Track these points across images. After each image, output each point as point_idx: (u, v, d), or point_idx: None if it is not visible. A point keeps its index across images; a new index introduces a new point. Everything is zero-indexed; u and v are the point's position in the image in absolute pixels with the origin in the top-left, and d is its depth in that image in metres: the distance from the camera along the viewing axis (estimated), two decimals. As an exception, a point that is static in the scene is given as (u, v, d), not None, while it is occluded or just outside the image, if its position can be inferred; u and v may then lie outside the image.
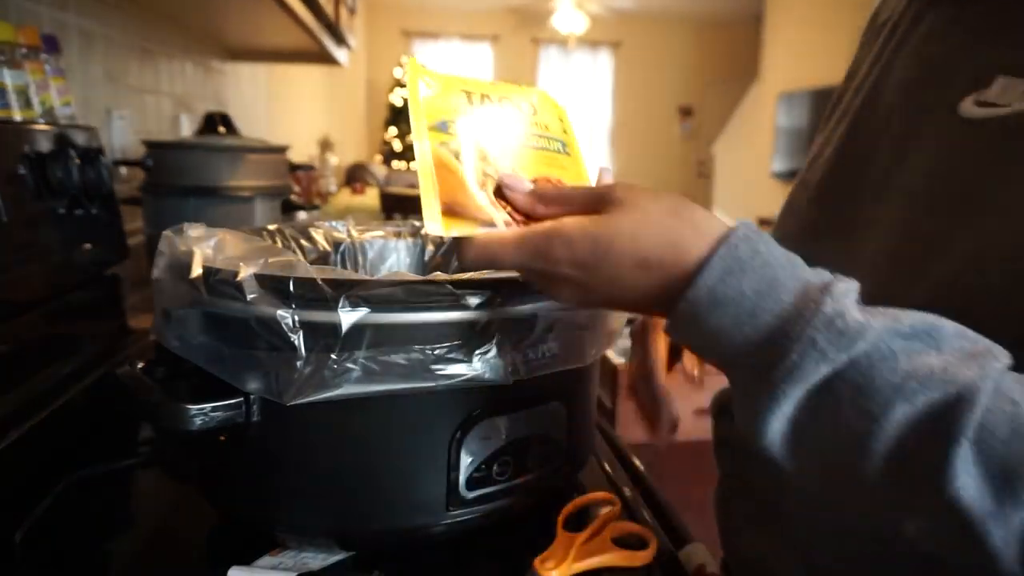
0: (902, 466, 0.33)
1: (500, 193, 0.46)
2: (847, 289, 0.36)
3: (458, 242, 0.43)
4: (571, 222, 0.40)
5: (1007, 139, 0.41)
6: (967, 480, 0.31)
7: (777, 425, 0.36)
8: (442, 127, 0.47)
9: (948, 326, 0.35)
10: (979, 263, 0.40)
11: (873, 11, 0.61)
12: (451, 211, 0.43)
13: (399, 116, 7.28)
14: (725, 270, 0.36)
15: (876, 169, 0.49)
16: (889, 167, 0.48)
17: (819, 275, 0.37)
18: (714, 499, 0.67)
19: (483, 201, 0.45)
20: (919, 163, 0.46)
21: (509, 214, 0.44)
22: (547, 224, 0.41)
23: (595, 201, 0.41)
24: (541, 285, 0.43)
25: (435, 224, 0.42)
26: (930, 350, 0.34)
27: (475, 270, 0.45)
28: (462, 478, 0.50)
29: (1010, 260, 0.38)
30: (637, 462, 0.76)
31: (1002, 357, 0.34)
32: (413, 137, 0.46)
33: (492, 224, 0.44)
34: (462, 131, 0.48)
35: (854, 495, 0.37)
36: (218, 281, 0.46)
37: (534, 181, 0.47)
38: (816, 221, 0.54)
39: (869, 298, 0.38)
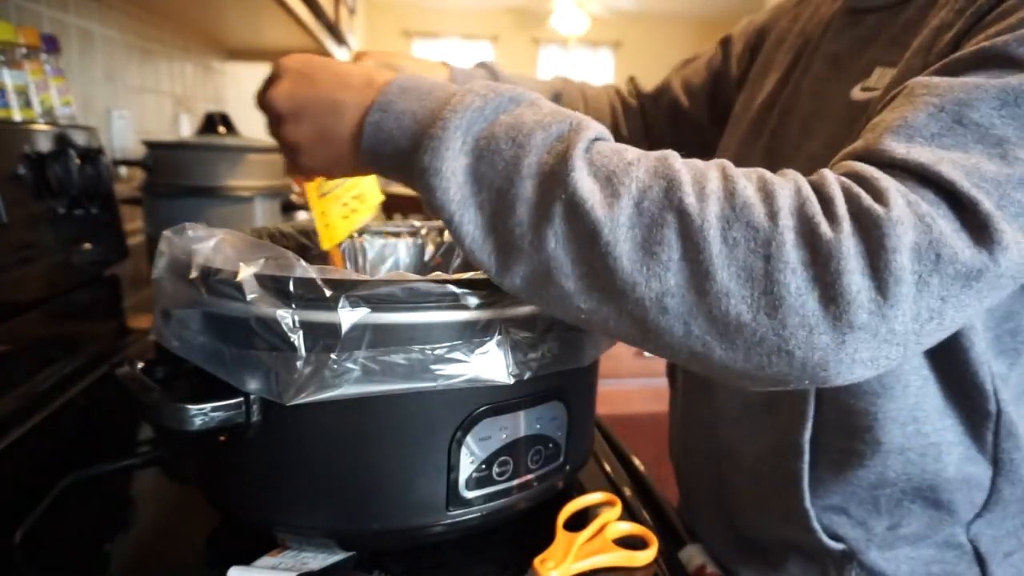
0: (542, 178, 0.40)
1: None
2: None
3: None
4: None
5: (874, 111, 0.50)
6: (584, 180, 0.39)
7: (444, 165, 0.41)
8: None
9: None
10: None
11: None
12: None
13: (399, 116, 7.26)
14: (408, 77, 0.46)
15: (791, 145, 0.62)
16: (799, 141, 0.61)
17: None
18: (669, 418, 0.78)
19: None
20: (820, 137, 0.58)
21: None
22: None
23: None
24: (270, 90, 0.50)
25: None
26: (558, 106, 0.44)
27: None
28: (462, 478, 0.50)
29: None
30: (637, 462, 0.77)
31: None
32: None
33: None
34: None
35: (511, 219, 0.41)
36: (218, 281, 0.46)
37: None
38: None
39: None
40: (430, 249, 0.79)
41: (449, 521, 0.51)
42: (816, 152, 0.58)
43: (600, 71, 8.07)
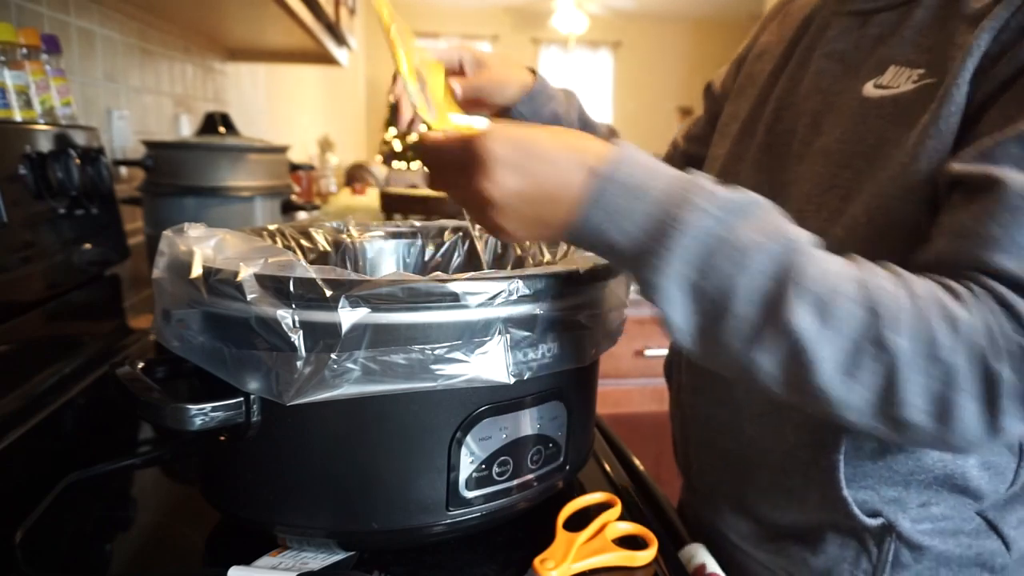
0: (760, 301, 0.43)
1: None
2: (706, 175, 0.47)
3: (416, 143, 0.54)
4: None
5: (896, 111, 0.55)
6: (801, 310, 0.42)
7: (675, 282, 0.44)
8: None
9: (764, 200, 0.47)
10: (880, 200, 0.53)
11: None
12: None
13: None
14: (618, 162, 0.46)
15: (798, 141, 0.63)
16: (807, 137, 0.62)
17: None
18: (672, 424, 0.79)
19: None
20: (832, 132, 0.59)
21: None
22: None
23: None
24: (474, 179, 0.47)
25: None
26: (767, 215, 0.46)
27: (424, 161, 0.51)
28: (462, 478, 0.50)
29: (900, 198, 0.52)
30: (637, 462, 0.77)
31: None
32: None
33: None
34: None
35: (724, 339, 0.45)
36: (218, 281, 0.46)
37: None
38: (759, 183, 0.66)
39: None
40: (430, 249, 0.79)
41: (449, 521, 0.51)
42: (829, 147, 0.59)
43: (600, 71, 8.07)
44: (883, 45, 0.59)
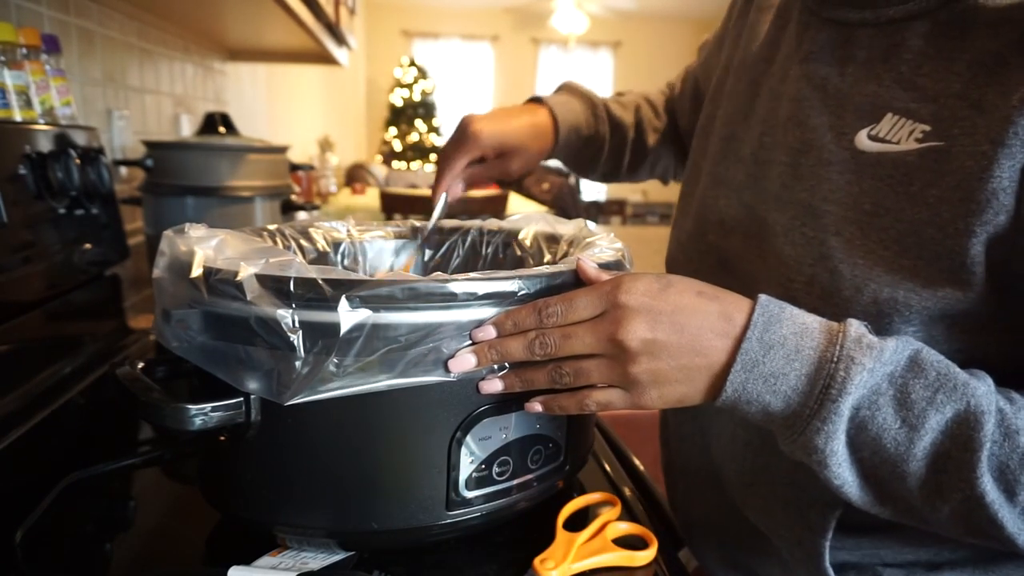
0: (938, 467, 0.42)
1: None
2: (857, 322, 0.44)
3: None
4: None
5: (896, 175, 0.48)
6: (989, 481, 0.41)
7: (839, 446, 0.43)
8: None
9: (923, 348, 0.44)
10: (892, 281, 0.48)
11: None
12: None
13: (399, 116, 7.28)
14: (766, 323, 0.44)
15: (778, 182, 0.56)
16: (787, 180, 0.55)
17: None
18: (663, 471, 0.78)
19: None
20: (818, 186, 0.52)
21: None
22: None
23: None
24: (612, 328, 0.45)
25: None
26: (930, 366, 0.43)
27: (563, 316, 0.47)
28: (462, 478, 0.50)
29: (922, 282, 0.47)
30: (637, 462, 0.77)
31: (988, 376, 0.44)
32: None
33: None
34: None
35: (893, 493, 0.44)
36: (218, 281, 0.46)
37: None
38: (739, 218, 0.60)
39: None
40: (430, 249, 0.78)
41: (449, 521, 0.51)
42: (814, 205, 0.52)
43: (600, 71, 8.07)
44: (874, 80, 0.51)
